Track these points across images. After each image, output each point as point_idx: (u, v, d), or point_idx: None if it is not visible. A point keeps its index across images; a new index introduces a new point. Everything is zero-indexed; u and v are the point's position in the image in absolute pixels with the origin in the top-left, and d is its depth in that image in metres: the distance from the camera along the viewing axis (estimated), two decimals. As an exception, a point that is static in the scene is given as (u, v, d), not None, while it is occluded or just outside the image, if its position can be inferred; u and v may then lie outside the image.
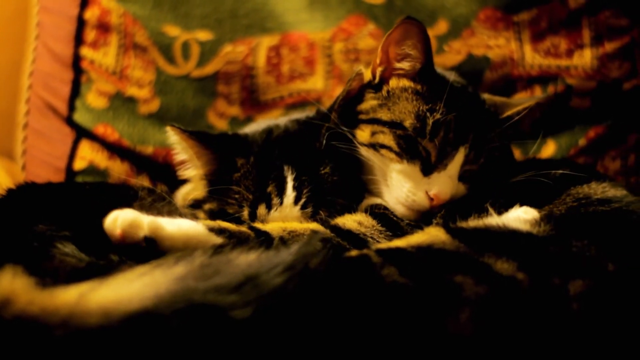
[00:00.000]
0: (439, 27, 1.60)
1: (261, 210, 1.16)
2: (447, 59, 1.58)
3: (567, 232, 0.94)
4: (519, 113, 1.21)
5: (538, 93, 1.56)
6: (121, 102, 1.63)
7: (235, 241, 0.98)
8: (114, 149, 1.61)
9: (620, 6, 1.55)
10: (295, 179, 1.16)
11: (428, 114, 1.14)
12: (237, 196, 1.17)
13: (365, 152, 1.20)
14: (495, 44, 1.58)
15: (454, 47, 1.59)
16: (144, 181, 1.56)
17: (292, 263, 0.78)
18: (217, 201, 1.19)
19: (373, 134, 1.18)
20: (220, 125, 1.64)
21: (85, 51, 1.64)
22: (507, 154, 1.27)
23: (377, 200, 1.21)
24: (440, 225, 1.01)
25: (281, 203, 1.16)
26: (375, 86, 1.23)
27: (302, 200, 1.16)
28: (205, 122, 1.63)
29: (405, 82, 1.20)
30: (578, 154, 1.54)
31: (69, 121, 1.63)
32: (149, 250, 0.94)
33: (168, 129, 1.20)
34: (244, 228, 1.05)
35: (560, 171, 1.13)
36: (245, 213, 1.16)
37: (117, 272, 0.79)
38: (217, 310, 0.72)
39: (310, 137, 1.22)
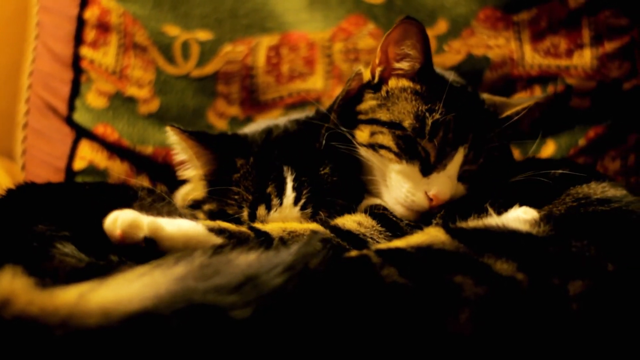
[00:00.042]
0: (439, 27, 1.60)
1: (261, 210, 1.15)
2: (446, 59, 1.58)
3: (566, 232, 0.94)
4: (519, 113, 1.21)
5: (538, 93, 1.56)
6: (121, 102, 1.63)
7: (235, 241, 0.98)
8: (114, 149, 1.61)
9: (620, 6, 1.55)
10: (294, 180, 1.16)
11: (427, 114, 1.14)
12: (236, 197, 1.17)
13: (364, 152, 1.20)
14: (495, 44, 1.58)
15: (454, 47, 1.59)
16: (143, 181, 1.56)
17: (292, 263, 0.78)
18: (217, 202, 1.18)
19: (372, 134, 1.18)
20: (220, 125, 1.64)
21: (85, 51, 1.64)
22: (507, 154, 1.27)
23: (377, 201, 1.21)
24: (440, 226, 1.01)
25: (281, 204, 1.15)
26: (374, 86, 1.23)
27: (302, 201, 1.16)
28: (205, 122, 1.63)
29: (405, 82, 1.20)
30: (578, 154, 1.54)
31: (69, 121, 1.63)
32: (148, 250, 0.94)
33: (168, 129, 1.20)
34: (243, 228, 1.05)
35: (560, 171, 1.13)
36: (245, 214, 1.16)
37: (116, 272, 0.79)
38: (217, 310, 0.72)
39: (310, 138, 1.22)
